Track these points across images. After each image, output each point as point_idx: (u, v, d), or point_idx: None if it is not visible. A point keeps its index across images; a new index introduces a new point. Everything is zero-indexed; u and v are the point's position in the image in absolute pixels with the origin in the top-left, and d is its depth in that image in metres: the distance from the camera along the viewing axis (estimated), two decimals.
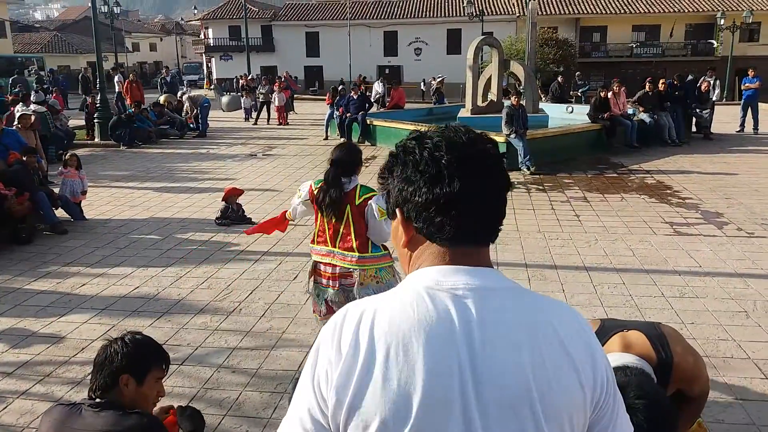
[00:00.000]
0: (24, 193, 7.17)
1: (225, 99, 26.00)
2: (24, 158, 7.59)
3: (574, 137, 12.41)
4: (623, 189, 9.58)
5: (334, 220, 3.76)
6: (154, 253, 6.69)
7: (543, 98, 16.91)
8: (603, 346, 1.96)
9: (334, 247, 3.79)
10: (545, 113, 14.37)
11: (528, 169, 10.88)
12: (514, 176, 10.75)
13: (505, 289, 1.08)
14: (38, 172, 7.91)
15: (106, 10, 36.02)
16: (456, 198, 1.03)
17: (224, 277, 5.91)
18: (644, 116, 13.20)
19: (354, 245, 3.73)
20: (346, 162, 3.72)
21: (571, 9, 38.39)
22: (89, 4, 35.05)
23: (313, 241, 3.91)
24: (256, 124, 19.15)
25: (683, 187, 9.57)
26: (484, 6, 36.37)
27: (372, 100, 16.77)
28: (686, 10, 37.33)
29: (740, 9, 33.57)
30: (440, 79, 21.02)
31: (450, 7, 40.41)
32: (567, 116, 15.01)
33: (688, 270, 5.87)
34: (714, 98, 14.90)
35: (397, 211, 1.12)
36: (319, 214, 3.82)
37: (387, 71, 39.81)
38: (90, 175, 11.57)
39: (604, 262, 6.14)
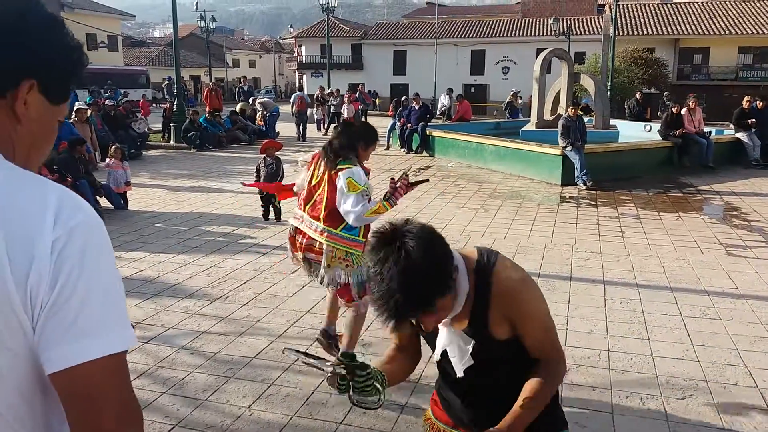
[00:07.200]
0: (66, 179, 7.56)
1: (309, 111, 26.96)
2: (70, 148, 8.02)
3: (640, 154, 11.55)
4: (683, 208, 8.81)
5: (314, 180, 3.58)
6: (172, 241, 6.83)
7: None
8: None
9: (304, 210, 3.60)
10: (616, 129, 13.61)
11: (584, 184, 10.27)
12: (567, 191, 10.21)
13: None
14: (84, 161, 8.33)
15: (213, 27, 38.23)
16: None
17: (226, 267, 5.91)
18: (741, 135, 12.22)
19: (321, 215, 3.49)
20: (358, 130, 3.64)
21: (669, 29, 36.42)
22: (197, 23, 37.56)
23: None
24: (326, 134, 19.49)
25: (753, 210, 8.67)
26: (574, 24, 35.30)
27: (435, 112, 16.59)
28: None
29: None
30: (513, 92, 20.46)
31: (540, 26, 39.57)
32: (644, 135, 14.15)
33: (720, 291, 5.23)
34: None
35: None
36: (309, 174, 3.67)
37: (473, 89, 39.44)
38: (153, 172, 12.18)
39: (627, 278, 5.60)
